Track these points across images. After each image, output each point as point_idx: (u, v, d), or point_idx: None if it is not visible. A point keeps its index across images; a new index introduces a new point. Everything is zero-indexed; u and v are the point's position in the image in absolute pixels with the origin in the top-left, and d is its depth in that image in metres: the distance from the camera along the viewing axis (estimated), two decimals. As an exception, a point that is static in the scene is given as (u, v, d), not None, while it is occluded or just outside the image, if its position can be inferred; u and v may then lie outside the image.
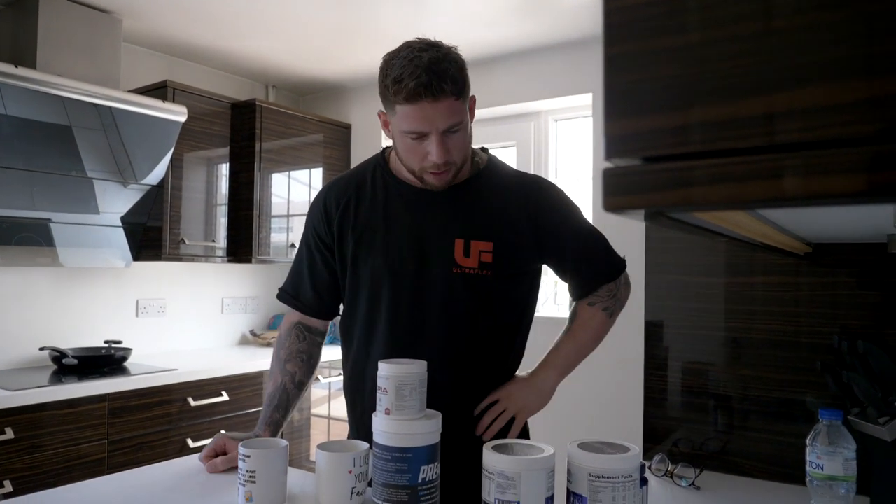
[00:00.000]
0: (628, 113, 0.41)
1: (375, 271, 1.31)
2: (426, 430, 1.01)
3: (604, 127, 0.42)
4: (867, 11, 0.33)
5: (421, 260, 1.29)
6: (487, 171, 1.36)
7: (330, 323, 1.50)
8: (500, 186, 1.35)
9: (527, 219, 1.31)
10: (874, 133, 0.33)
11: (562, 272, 1.40)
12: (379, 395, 1.04)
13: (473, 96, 1.29)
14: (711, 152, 0.39)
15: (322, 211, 1.39)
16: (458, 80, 1.19)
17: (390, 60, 1.21)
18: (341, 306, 1.46)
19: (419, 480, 0.99)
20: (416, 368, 1.03)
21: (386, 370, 1.03)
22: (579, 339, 1.39)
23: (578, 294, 1.41)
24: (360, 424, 1.37)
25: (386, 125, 1.29)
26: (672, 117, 0.40)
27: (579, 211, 1.38)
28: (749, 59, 0.37)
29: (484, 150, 1.42)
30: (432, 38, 1.23)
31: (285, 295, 1.48)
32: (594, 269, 1.38)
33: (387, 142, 3.73)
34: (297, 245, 1.49)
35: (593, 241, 1.39)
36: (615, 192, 0.43)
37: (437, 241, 1.29)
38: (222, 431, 1.39)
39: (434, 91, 1.15)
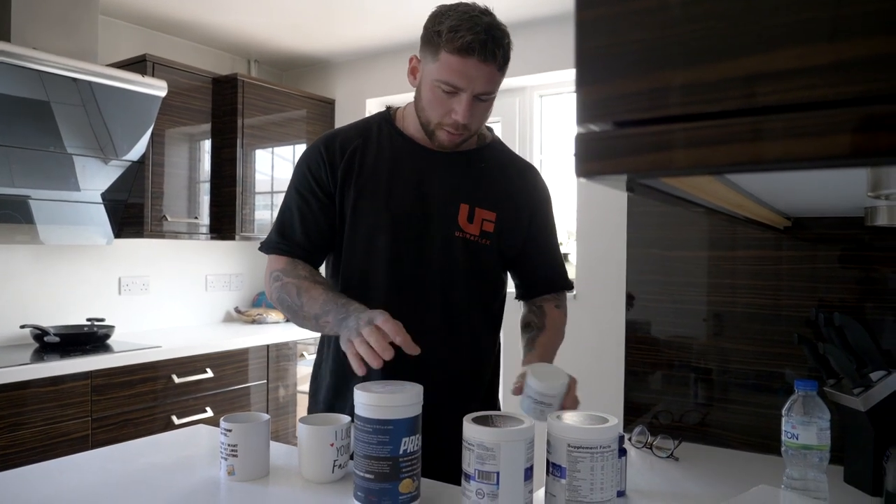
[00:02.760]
0: (601, 77, 0.41)
1: (376, 223, 1.28)
2: (407, 402, 1.01)
3: (577, 92, 0.42)
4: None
5: (424, 218, 1.29)
6: (493, 146, 1.41)
7: None
8: (505, 163, 1.39)
9: (526, 201, 1.37)
10: (844, 97, 0.33)
11: (524, 262, 1.41)
12: None
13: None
14: (685, 116, 0.38)
15: (324, 156, 1.31)
16: (507, 54, 1.22)
17: (445, 11, 1.21)
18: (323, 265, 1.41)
19: (400, 452, 0.99)
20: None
21: None
22: (553, 340, 1.37)
23: (536, 290, 1.43)
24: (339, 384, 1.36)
25: (414, 71, 1.28)
26: (645, 81, 0.40)
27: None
28: (722, 22, 0.37)
29: (489, 129, 1.44)
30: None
31: (269, 242, 1.35)
32: (558, 273, 1.44)
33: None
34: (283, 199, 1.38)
35: (558, 249, 1.47)
36: (587, 158, 0.42)
37: (441, 203, 1.30)
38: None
39: (486, 53, 1.17)
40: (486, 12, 1.21)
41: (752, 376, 1.44)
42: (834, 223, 1.35)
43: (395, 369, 1.27)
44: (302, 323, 1.27)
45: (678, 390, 1.52)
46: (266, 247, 1.35)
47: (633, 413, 1.56)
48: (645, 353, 1.56)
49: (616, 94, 0.41)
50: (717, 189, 0.63)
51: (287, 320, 3.57)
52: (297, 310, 1.26)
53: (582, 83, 0.42)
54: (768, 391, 1.42)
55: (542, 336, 1.35)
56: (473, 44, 1.16)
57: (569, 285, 1.46)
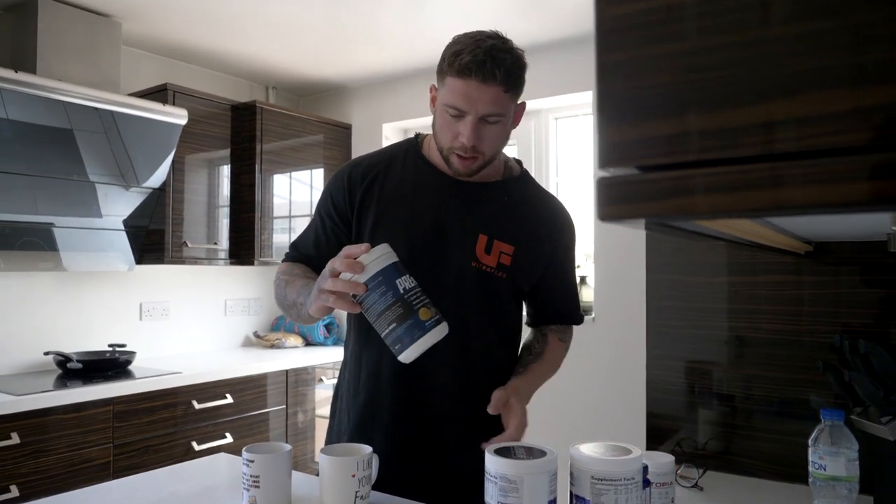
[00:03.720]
0: (623, 121, 0.41)
1: (393, 246, 1.26)
2: (380, 253, 1.07)
3: (598, 135, 0.42)
4: (857, 20, 0.33)
5: (441, 245, 1.29)
6: (519, 180, 1.40)
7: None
8: (529, 197, 1.38)
9: (548, 235, 1.36)
10: (865, 142, 0.33)
11: (539, 294, 1.40)
12: None
13: (524, 103, 1.31)
14: (707, 161, 0.39)
15: (346, 181, 1.35)
16: (512, 74, 1.20)
17: (457, 39, 1.23)
18: None
19: (401, 291, 1.05)
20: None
21: None
22: (545, 372, 1.36)
23: (546, 320, 1.43)
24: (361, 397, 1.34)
25: (433, 101, 1.30)
26: (667, 126, 0.40)
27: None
28: (743, 68, 0.37)
29: (519, 162, 1.44)
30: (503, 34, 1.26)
31: (285, 254, 1.46)
32: (571, 307, 1.44)
33: (387, 142, 3.73)
34: None
35: (576, 285, 1.46)
36: (611, 202, 0.43)
37: (460, 231, 1.30)
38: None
39: (485, 73, 1.17)
40: (494, 36, 1.22)
41: (775, 403, 1.42)
42: (856, 248, 1.34)
43: (405, 398, 1.28)
44: (288, 313, 1.33)
45: (701, 417, 1.50)
46: (284, 258, 1.46)
47: (656, 441, 1.54)
48: (666, 379, 1.54)
49: (638, 138, 0.41)
50: (741, 224, 0.63)
51: (306, 344, 3.60)
52: (282, 300, 1.34)
53: (603, 126, 0.42)
54: (793, 418, 1.40)
55: (537, 364, 1.35)
56: (471, 65, 1.17)
57: (578, 319, 1.45)
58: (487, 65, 1.17)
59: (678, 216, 0.41)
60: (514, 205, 1.35)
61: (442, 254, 1.29)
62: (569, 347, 1.44)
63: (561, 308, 1.43)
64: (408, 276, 1.08)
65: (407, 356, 1.06)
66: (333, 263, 1.07)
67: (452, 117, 1.22)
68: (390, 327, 1.06)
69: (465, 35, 1.23)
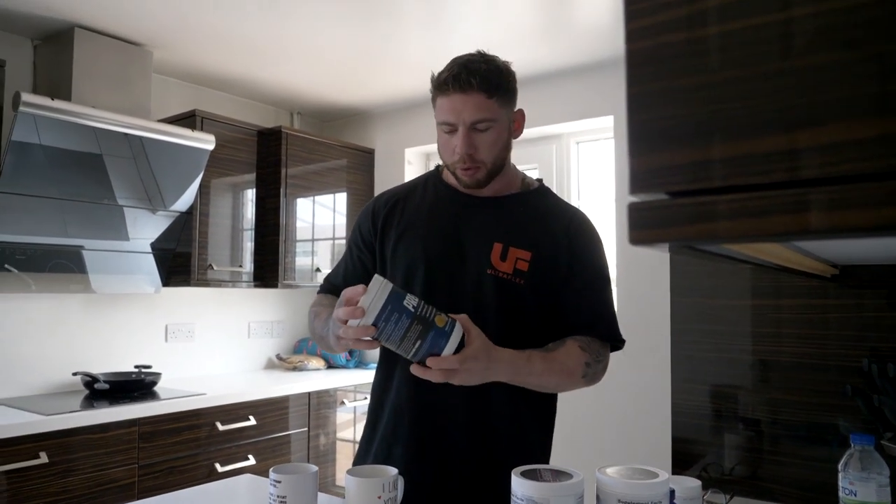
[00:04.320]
0: (652, 149, 0.43)
1: (413, 260, 1.34)
2: (377, 287, 1.09)
3: (628, 162, 0.43)
4: (881, 51, 0.35)
5: (458, 256, 1.32)
6: (537, 193, 1.42)
7: None
8: (547, 207, 1.40)
9: (566, 238, 1.34)
10: (889, 168, 0.34)
11: (561, 306, 1.33)
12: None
13: (521, 110, 1.35)
14: (733, 187, 0.40)
15: (371, 210, 1.45)
16: (490, 80, 1.26)
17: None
18: None
19: (412, 310, 1.09)
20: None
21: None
22: (551, 368, 1.25)
23: (569, 329, 1.32)
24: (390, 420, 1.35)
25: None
26: (694, 153, 0.41)
27: (607, 266, 1.38)
28: (765, 99, 0.38)
29: (539, 180, 1.46)
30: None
31: (320, 287, 1.56)
32: (598, 321, 1.34)
33: (411, 170, 3.77)
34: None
35: (607, 298, 1.38)
36: (640, 227, 0.44)
37: (475, 241, 1.33)
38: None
39: (462, 83, 1.24)
40: (473, 54, 1.31)
41: (802, 428, 1.41)
42: (883, 271, 1.33)
43: (423, 412, 1.29)
44: (319, 344, 1.40)
45: (727, 441, 1.49)
46: (319, 290, 1.56)
47: (682, 465, 1.53)
48: (691, 403, 1.54)
49: (669, 165, 0.42)
50: (767, 247, 0.63)
51: (328, 367, 3.62)
52: (313, 331, 1.43)
53: (634, 154, 0.43)
54: (820, 443, 1.38)
55: (539, 352, 1.25)
56: (448, 79, 1.26)
57: (610, 336, 1.35)
58: (462, 75, 1.25)
59: (705, 240, 0.43)
60: (532, 215, 1.36)
61: (459, 265, 1.32)
62: (596, 364, 1.30)
63: (584, 321, 1.32)
64: (409, 294, 1.12)
65: None
66: (338, 313, 1.13)
67: (447, 134, 1.30)
68: (416, 346, 1.09)
69: (450, 60, 1.31)
